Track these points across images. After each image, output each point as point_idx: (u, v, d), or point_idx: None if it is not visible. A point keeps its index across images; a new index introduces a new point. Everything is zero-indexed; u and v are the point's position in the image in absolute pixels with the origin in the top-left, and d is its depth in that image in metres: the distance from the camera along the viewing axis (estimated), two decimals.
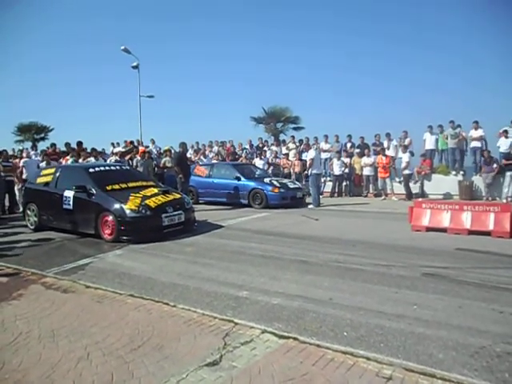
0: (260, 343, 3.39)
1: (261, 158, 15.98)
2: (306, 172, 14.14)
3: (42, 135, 29.40)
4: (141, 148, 16.44)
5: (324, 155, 16.07)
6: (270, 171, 15.37)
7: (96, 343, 3.50)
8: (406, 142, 14.57)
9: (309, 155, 12.88)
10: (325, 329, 3.68)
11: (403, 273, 5.30)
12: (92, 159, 12.86)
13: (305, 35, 68.92)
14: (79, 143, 14.63)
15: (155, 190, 8.56)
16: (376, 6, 62.52)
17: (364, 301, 4.33)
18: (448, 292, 4.54)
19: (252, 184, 12.69)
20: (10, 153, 15.24)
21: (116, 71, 60.23)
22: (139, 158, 14.28)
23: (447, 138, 13.93)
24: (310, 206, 12.41)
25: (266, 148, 17.83)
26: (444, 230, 7.82)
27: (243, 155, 17.45)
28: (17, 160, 12.91)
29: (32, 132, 28.73)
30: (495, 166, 12.52)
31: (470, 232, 7.57)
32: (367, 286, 4.84)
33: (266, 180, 12.93)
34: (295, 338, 3.45)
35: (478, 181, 13.07)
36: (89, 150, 14.33)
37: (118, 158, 14.36)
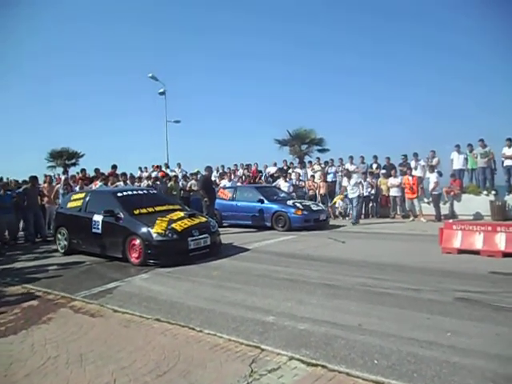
0: (287, 370, 3.31)
1: (286, 181, 15.97)
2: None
3: (73, 161, 30.26)
4: (161, 172, 16.80)
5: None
6: (294, 194, 15.32)
7: (122, 368, 3.50)
8: (434, 161, 14.30)
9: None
10: (354, 356, 3.57)
11: (435, 297, 5.12)
12: (121, 183, 13.14)
13: (331, 57, 69.19)
14: (114, 166, 14.91)
15: (181, 214, 8.65)
16: (407, 27, 62.59)
17: (394, 327, 4.19)
18: (484, 318, 4.34)
19: (275, 207, 12.67)
20: (43, 178, 15.73)
21: (143, 99, 61.84)
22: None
23: (477, 157, 13.61)
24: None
25: (290, 170, 17.83)
26: (477, 253, 7.54)
27: (263, 178, 17.51)
28: (45, 185, 13.32)
29: (63, 158, 29.60)
30: None
31: (505, 254, 7.26)
32: (397, 310, 4.69)
33: (289, 202, 12.88)
34: (324, 366, 3.36)
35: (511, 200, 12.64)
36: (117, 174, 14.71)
37: (150, 182, 14.65)
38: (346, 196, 14.42)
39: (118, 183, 13.15)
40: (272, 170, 18.35)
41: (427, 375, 3.16)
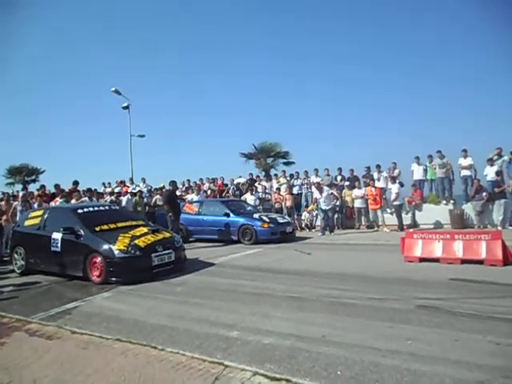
0: None
1: (252, 194, 15.99)
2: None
3: (33, 177, 29.27)
4: (124, 187, 16.50)
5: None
6: (261, 207, 15.35)
7: None
8: (395, 173, 14.72)
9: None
10: (318, 368, 3.55)
11: (397, 306, 5.20)
12: (86, 199, 12.79)
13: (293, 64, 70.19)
14: (75, 182, 14.47)
15: (145, 230, 8.46)
16: (360, 28, 64.52)
17: (358, 337, 4.21)
18: (443, 324, 4.44)
19: (241, 220, 12.65)
20: None
21: (107, 111, 60.77)
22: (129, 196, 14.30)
23: (435, 168, 14.11)
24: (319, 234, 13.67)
25: (257, 183, 17.89)
26: (437, 260, 7.76)
27: (230, 192, 17.50)
28: (2, 203, 12.75)
29: (23, 174, 28.61)
30: (485, 194, 12.61)
31: (463, 261, 7.52)
32: (361, 321, 4.73)
33: (256, 216, 12.91)
34: (288, 380, 3.31)
35: (469, 209, 13.13)
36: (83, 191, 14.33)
37: (113, 198, 14.33)
38: (317, 208, 14.63)
39: (83, 199, 12.79)
40: (241, 180, 18.38)
41: None
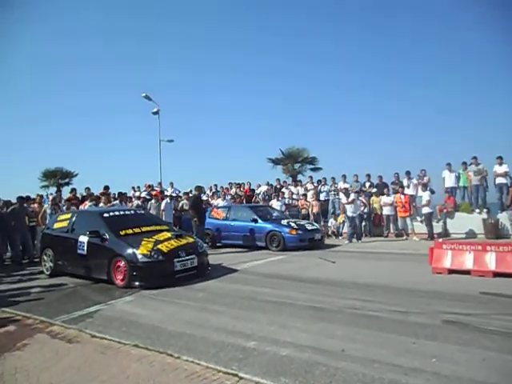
0: None
1: (278, 200, 15.89)
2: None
3: (67, 180, 30.20)
4: (153, 191, 16.75)
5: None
6: (287, 212, 15.22)
7: None
8: (425, 179, 14.30)
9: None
10: None
11: (422, 320, 4.99)
12: (117, 203, 13.12)
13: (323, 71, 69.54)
14: (106, 187, 14.83)
15: (168, 235, 8.51)
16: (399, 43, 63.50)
17: (378, 352, 4.05)
18: (471, 342, 4.21)
19: (269, 226, 12.55)
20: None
21: (138, 118, 62.07)
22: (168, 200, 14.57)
23: (470, 175, 13.58)
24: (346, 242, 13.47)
25: (284, 189, 17.78)
26: (467, 273, 7.43)
27: (260, 197, 17.44)
28: (35, 205, 13.14)
29: (57, 177, 29.56)
30: None
31: (496, 274, 7.16)
32: (383, 335, 4.55)
33: (284, 222, 12.77)
34: None
35: (504, 218, 12.59)
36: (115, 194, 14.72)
37: (139, 202, 14.56)
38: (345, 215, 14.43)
39: (114, 202, 13.10)
40: (263, 188, 18.32)
41: None
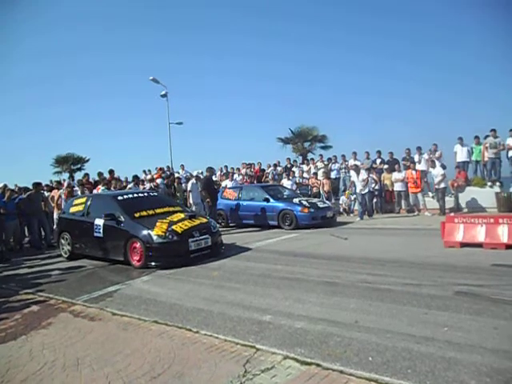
0: (281, 370, 3.29)
1: (289, 179, 15.93)
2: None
3: (79, 166, 30.54)
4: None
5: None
6: (298, 191, 15.28)
7: (118, 371, 3.50)
8: (437, 154, 14.18)
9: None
10: (349, 354, 3.54)
11: (434, 292, 5.07)
12: (132, 186, 13.36)
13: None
14: (111, 171, 15.07)
15: (182, 215, 8.65)
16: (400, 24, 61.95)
17: (391, 323, 4.15)
18: (482, 312, 4.29)
19: (281, 205, 12.63)
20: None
21: (147, 101, 61.93)
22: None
23: (487, 148, 13.41)
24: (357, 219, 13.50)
25: (294, 168, 17.78)
26: (479, 245, 7.47)
27: (270, 177, 17.48)
28: (55, 191, 13.37)
29: (69, 163, 29.90)
30: None
31: (508, 246, 7.18)
32: (395, 306, 4.65)
33: (296, 200, 12.83)
34: (318, 364, 3.33)
35: None
36: (129, 178, 14.92)
37: (152, 185, 14.70)
38: (354, 192, 14.44)
39: (129, 186, 13.34)
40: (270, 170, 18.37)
41: (421, 371, 3.12)
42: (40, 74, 62.80)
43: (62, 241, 9.75)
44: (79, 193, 12.40)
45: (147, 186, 14.49)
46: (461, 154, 14.02)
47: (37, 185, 12.40)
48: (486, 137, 13.63)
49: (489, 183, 13.28)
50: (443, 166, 13.66)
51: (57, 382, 3.43)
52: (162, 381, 3.29)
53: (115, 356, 3.86)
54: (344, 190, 16.27)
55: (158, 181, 15.50)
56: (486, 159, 13.56)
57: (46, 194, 13.37)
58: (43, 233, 12.49)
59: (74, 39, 63.13)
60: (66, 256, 9.65)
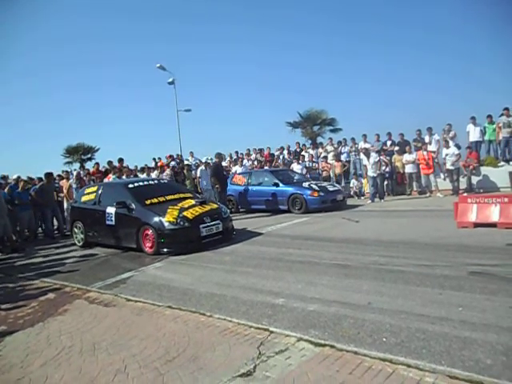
0: (295, 352, 3.31)
1: (298, 163, 15.84)
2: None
3: (89, 156, 30.64)
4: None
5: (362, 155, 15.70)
6: (308, 175, 15.20)
7: (133, 356, 3.56)
8: (451, 134, 13.94)
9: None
10: (363, 335, 3.54)
11: (448, 272, 5.03)
12: (141, 175, 13.51)
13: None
14: (120, 160, 15.11)
15: (192, 202, 8.68)
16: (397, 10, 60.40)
17: (405, 304, 4.14)
18: (497, 291, 4.24)
19: (291, 189, 12.58)
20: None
21: (156, 91, 61.70)
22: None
23: (501, 128, 13.14)
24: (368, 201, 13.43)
25: (304, 152, 17.66)
26: (493, 225, 7.37)
27: (280, 161, 17.40)
28: (64, 181, 13.48)
29: (79, 153, 30.01)
30: None
31: None
32: (409, 288, 4.62)
33: (305, 184, 12.76)
34: (332, 346, 3.34)
35: None
36: (139, 167, 15.04)
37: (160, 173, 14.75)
38: (360, 175, 14.33)
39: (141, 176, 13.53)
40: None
41: (436, 351, 3.11)
42: (56, 60, 62.55)
43: (75, 230, 9.86)
44: (91, 182, 12.49)
45: (155, 173, 14.55)
46: (473, 134, 13.76)
47: (48, 175, 12.49)
48: (501, 115, 13.34)
49: (502, 162, 13.04)
50: (458, 146, 13.45)
51: (74, 367, 3.49)
52: (177, 364, 3.33)
53: (130, 340, 3.91)
54: (355, 173, 16.13)
55: (172, 164, 15.60)
56: (499, 138, 13.31)
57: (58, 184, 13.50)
58: (56, 222, 12.65)
59: (79, 27, 62.65)
60: (79, 244, 9.77)
